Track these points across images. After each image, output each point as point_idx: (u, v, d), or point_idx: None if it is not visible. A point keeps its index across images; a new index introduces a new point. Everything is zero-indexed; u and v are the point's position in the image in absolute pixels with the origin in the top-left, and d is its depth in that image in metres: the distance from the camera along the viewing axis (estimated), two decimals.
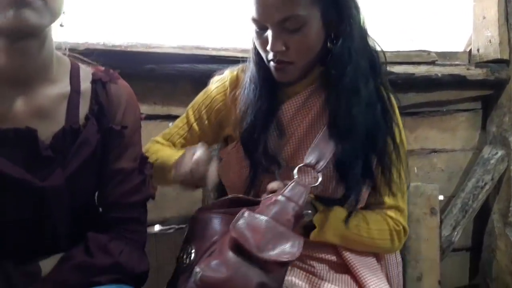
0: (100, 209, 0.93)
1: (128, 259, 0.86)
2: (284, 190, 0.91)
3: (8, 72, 0.80)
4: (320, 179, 0.95)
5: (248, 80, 1.06)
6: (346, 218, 0.99)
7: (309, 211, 0.96)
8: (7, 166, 0.78)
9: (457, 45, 2.07)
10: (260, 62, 1.04)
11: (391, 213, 1.05)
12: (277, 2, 0.92)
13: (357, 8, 0.99)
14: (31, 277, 0.80)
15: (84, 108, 0.87)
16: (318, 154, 0.98)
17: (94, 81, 0.91)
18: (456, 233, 1.87)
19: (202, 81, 1.42)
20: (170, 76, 1.44)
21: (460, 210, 1.89)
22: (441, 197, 1.73)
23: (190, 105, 1.17)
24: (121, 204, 0.90)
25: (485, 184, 1.92)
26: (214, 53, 1.50)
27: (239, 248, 0.82)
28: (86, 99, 0.88)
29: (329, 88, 1.01)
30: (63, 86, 0.87)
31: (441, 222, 1.68)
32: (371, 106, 0.99)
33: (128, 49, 1.31)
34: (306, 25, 0.94)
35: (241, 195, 1.00)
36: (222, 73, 1.15)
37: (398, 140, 1.03)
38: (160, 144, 1.14)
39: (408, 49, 1.81)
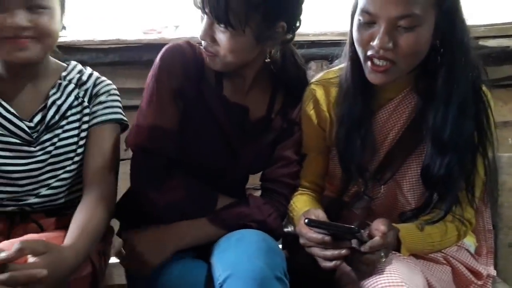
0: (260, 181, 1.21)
1: (273, 221, 1.11)
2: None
3: None
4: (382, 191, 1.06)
5: (343, 85, 1.07)
6: (424, 237, 1.02)
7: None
8: (229, 124, 1.10)
9: None
10: (356, 60, 1.02)
11: (464, 213, 1.05)
12: None
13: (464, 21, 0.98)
14: (210, 202, 1.10)
15: (278, 105, 1.16)
16: (410, 166, 1.05)
17: None
18: None
19: None
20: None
21: None
22: None
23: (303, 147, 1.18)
24: (278, 181, 1.15)
25: None
26: (313, 38, 1.67)
27: None
28: (280, 98, 1.16)
29: (428, 98, 1.01)
30: (267, 86, 1.15)
31: None
32: (469, 119, 0.99)
33: None
34: (419, 27, 0.93)
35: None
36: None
37: (489, 154, 1.03)
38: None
39: (502, 21, 1.82)
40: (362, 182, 1.07)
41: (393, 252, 0.98)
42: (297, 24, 1.08)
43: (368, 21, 0.95)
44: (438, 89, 0.98)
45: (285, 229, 1.13)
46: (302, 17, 1.09)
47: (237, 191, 1.17)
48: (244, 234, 1.02)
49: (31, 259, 0.79)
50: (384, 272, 0.90)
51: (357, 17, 0.97)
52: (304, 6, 1.07)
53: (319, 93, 1.13)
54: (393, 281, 0.88)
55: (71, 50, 1.62)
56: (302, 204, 1.14)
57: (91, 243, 0.95)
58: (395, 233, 0.98)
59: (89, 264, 0.99)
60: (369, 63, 0.97)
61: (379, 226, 0.94)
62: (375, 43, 0.94)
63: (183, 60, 1.06)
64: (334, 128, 1.11)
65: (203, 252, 1.07)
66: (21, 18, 0.96)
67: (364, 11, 0.94)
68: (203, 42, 1.04)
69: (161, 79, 1.06)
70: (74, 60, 1.59)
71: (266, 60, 1.09)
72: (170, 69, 1.06)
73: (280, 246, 1.16)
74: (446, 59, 0.98)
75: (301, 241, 0.96)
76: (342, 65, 1.10)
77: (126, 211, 1.13)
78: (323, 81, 1.14)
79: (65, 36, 1.67)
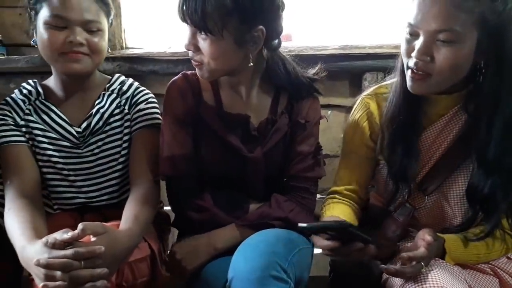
0: (284, 179, 1.25)
1: (295, 216, 1.16)
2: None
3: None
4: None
5: (392, 98, 1.09)
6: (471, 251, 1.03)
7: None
8: (231, 137, 1.16)
9: None
10: (405, 74, 1.04)
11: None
12: (439, 12, 0.92)
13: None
14: (241, 210, 1.18)
15: (282, 105, 1.21)
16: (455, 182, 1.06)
17: None
18: None
19: (358, 75, 1.64)
20: (331, 72, 1.69)
21: None
22: None
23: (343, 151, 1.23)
24: (297, 176, 1.20)
25: None
26: (370, 50, 1.72)
27: None
28: (284, 98, 1.21)
29: (476, 117, 1.01)
30: (269, 89, 1.21)
31: None
32: None
33: (301, 53, 1.60)
34: (458, 43, 0.94)
35: None
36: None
37: None
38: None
39: None
40: (407, 191, 1.09)
41: (437, 259, 1.00)
42: (279, 30, 1.13)
43: (412, 33, 0.98)
44: (482, 109, 1.00)
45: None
46: (284, 24, 1.14)
47: (270, 195, 1.20)
48: (252, 236, 1.07)
49: (92, 239, 0.93)
50: (428, 278, 0.92)
51: (404, 29, 1.01)
52: (285, 13, 1.12)
53: (373, 106, 1.16)
54: (436, 286, 0.90)
55: (145, 61, 1.79)
56: (337, 212, 1.15)
57: (141, 229, 1.07)
58: (439, 243, 1.00)
59: (147, 248, 1.12)
60: (409, 71, 1.01)
61: (425, 236, 0.96)
62: (413, 54, 0.97)
63: (181, 93, 1.17)
64: (384, 141, 1.13)
65: None
66: (79, 36, 1.11)
67: (408, 24, 0.98)
68: (189, 52, 1.10)
69: (166, 114, 1.18)
70: (147, 70, 1.79)
71: (250, 65, 1.11)
72: (172, 103, 1.18)
73: None
74: (491, 79, 0.98)
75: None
76: (394, 80, 1.12)
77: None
78: (375, 95, 1.17)
79: (141, 48, 1.85)
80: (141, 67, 1.79)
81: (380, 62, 1.64)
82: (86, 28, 1.13)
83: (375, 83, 1.26)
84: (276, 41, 1.15)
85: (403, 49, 1.02)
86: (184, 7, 1.03)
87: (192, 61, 1.11)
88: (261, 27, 1.07)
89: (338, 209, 1.17)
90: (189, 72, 1.22)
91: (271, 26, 1.09)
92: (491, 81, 0.98)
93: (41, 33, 1.13)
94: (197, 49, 1.08)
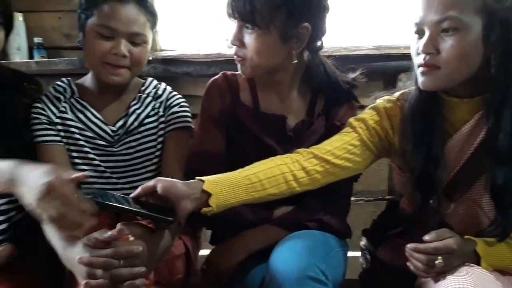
0: None
1: (328, 219, 1.17)
2: None
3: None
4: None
5: (413, 104, 1.06)
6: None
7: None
8: (267, 137, 1.18)
9: None
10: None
11: None
12: (439, 2, 0.93)
13: None
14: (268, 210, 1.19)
15: (319, 107, 1.21)
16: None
17: None
18: None
19: (393, 76, 1.61)
20: (365, 73, 1.68)
21: None
22: None
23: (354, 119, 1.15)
24: None
25: None
26: (405, 51, 1.66)
27: None
28: (321, 100, 1.22)
29: (497, 119, 0.98)
30: (307, 91, 1.22)
31: None
32: None
33: (334, 53, 1.58)
34: (462, 31, 0.93)
35: None
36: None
37: None
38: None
39: None
40: (435, 199, 1.06)
41: (472, 264, 0.98)
42: (323, 30, 1.15)
43: (418, 32, 0.99)
44: (496, 106, 0.97)
45: None
46: (327, 26, 1.15)
47: (299, 196, 1.16)
48: (289, 237, 1.08)
49: (131, 238, 0.95)
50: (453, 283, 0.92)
51: (411, 32, 1.01)
52: (329, 15, 1.14)
53: (396, 110, 1.12)
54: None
55: (179, 63, 1.82)
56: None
57: (176, 227, 1.08)
58: (469, 245, 0.98)
59: (182, 246, 1.15)
60: (419, 69, 1.00)
61: (443, 233, 0.97)
62: (420, 49, 0.97)
63: (219, 92, 1.21)
64: (401, 147, 1.10)
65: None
66: (124, 48, 1.14)
67: (414, 23, 0.99)
68: (234, 48, 1.13)
69: (203, 111, 1.23)
70: (181, 72, 1.82)
71: (293, 62, 1.14)
72: (209, 101, 1.22)
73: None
74: (499, 70, 0.96)
75: None
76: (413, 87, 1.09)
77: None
78: (399, 100, 1.13)
79: (174, 50, 1.89)
80: (175, 69, 1.82)
81: None
82: (131, 40, 1.16)
83: (409, 83, 1.20)
84: (319, 42, 1.16)
85: (412, 51, 1.02)
86: (233, 2, 1.07)
87: (235, 56, 1.13)
88: (306, 24, 1.09)
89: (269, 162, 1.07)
90: (229, 72, 1.24)
91: (316, 25, 1.12)
92: (498, 72, 0.95)
93: (87, 39, 1.17)
94: (242, 44, 1.10)
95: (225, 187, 0.98)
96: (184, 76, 1.84)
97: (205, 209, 0.97)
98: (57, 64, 1.85)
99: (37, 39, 1.93)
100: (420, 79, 1.00)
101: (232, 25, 1.12)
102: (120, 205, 0.93)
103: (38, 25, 1.97)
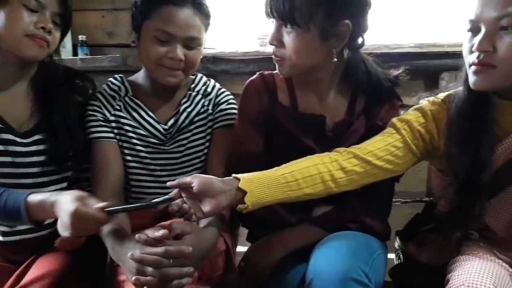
0: None
1: (370, 221, 1.14)
2: None
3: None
4: None
5: (457, 107, 1.03)
6: None
7: None
8: (305, 138, 1.16)
9: None
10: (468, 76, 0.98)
11: None
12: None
13: None
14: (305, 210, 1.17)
15: (359, 106, 1.19)
16: None
17: None
18: None
19: (435, 75, 1.57)
20: (406, 71, 1.64)
21: None
22: None
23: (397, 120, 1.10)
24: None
25: None
26: (448, 49, 1.64)
27: None
28: (362, 99, 1.19)
29: None
30: (347, 89, 1.19)
31: None
32: None
33: (374, 51, 1.56)
34: None
35: None
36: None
37: None
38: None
39: None
40: (478, 203, 1.02)
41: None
42: (365, 27, 1.10)
43: (472, 29, 0.95)
44: None
45: None
46: (369, 22, 1.11)
47: (337, 197, 1.13)
48: (331, 237, 1.07)
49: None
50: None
51: (465, 29, 0.97)
52: (371, 11, 1.09)
53: (442, 113, 1.08)
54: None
55: (218, 61, 1.83)
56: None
57: (221, 227, 1.10)
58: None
59: (223, 243, 1.15)
60: (471, 67, 0.95)
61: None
62: (474, 47, 0.93)
63: (257, 92, 1.20)
64: (446, 151, 1.06)
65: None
66: (180, 52, 1.15)
67: (469, 20, 0.95)
68: (272, 48, 1.11)
69: (241, 112, 1.22)
70: (219, 69, 1.83)
71: (333, 61, 1.10)
72: (247, 102, 1.21)
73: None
74: None
75: None
76: (460, 88, 1.06)
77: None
78: (445, 102, 1.09)
79: (213, 48, 1.90)
80: (213, 66, 1.84)
81: (459, 61, 1.55)
82: (186, 44, 1.17)
83: (453, 83, 1.19)
84: (360, 39, 1.13)
85: (465, 49, 0.98)
86: (272, 1, 1.04)
87: (273, 56, 1.11)
88: (347, 21, 1.05)
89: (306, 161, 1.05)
90: (266, 72, 1.23)
91: (357, 22, 1.07)
92: None
93: (143, 41, 1.17)
94: (281, 44, 1.08)
95: (260, 185, 0.98)
96: (222, 74, 1.85)
97: (240, 206, 0.97)
98: (100, 61, 1.90)
99: (81, 37, 2.00)
100: (472, 78, 0.96)
101: (270, 25, 1.10)
102: (124, 206, 1.02)
103: (82, 23, 2.04)
